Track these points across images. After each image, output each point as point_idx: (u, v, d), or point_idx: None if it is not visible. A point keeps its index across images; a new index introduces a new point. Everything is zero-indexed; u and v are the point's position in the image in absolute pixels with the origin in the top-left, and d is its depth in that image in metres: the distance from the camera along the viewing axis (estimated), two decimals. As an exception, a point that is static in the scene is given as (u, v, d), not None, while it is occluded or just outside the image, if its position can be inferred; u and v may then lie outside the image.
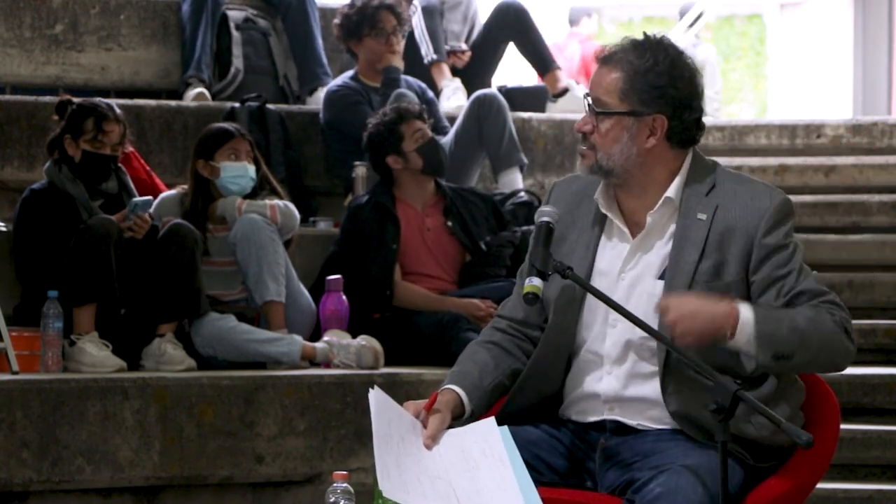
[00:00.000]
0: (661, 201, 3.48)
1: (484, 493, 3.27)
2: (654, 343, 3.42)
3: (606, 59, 3.49)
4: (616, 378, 3.48)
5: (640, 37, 3.50)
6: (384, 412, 3.36)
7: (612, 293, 3.43)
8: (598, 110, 3.46)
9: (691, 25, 13.37)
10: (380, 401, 3.36)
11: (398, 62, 7.17)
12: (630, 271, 3.49)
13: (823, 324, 3.35)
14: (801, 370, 3.45)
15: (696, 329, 3.31)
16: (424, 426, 3.40)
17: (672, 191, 3.48)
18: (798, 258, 3.44)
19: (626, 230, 3.52)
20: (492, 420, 3.43)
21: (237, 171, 6.01)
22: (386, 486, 3.21)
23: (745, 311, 3.34)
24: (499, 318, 3.67)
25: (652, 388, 3.45)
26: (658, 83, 3.44)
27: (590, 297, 3.50)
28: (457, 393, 3.48)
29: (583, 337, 3.52)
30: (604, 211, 3.53)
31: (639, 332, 3.43)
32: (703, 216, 3.45)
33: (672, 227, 3.48)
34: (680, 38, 12.34)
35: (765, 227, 3.42)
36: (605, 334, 3.50)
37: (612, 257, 3.52)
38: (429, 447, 3.37)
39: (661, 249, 3.48)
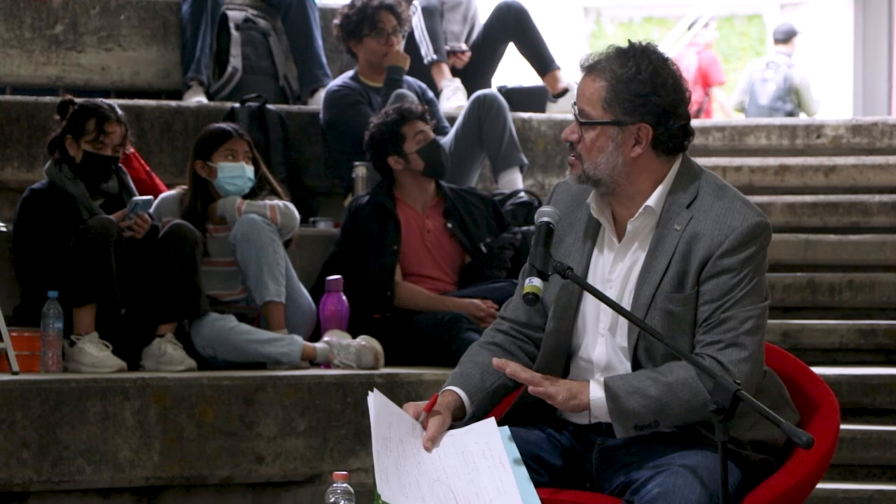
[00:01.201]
0: (640, 210, 3.47)
1: (483, 495, 3.27)
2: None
3: (590, 68, 3.46)
4: None
5: (624, 44, 3.48)
6: (383, 414, 3.36)
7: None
8: (583, 121, 3.45)
9: (689, 27, 13.41)
10: (379, 403, 3.36)
11: (403, 60, 7.16)
12: (617, 278, 3.50)
13: (685, 385, 3.32)
14: (680, 424, 3.42)
15: (559, 393, 3.38)
16: (424, 428, 3.40)
17: (653, 200, 3.46)
18: (746, 287, 3.39)
19: (614, 238, 3.52)
20: (492, 420, 3.43)
21: (234, 172, 6.00)
22: (384, 491, 3.21)
23: (596, 391, 3.37)
24: (501, 320, 3.67)
25: None
26: (641, 91, 3.41)
27: (584, 304, 3.51)
28: (458, 394, 3.49)
29: (577, 343, 3.53)
30: (595, 216, 3.52)
31: (622, 342, 3.44)
32: (678, 227, 3.44)
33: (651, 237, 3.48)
34: (776, 59, 12.41)
35: (727, 246, 3.39)
36: (595, 342, 3.51)
37: (603, 263, 3.53)
38: (428, 449, 3.37)
39: (641, 258, 3.48)
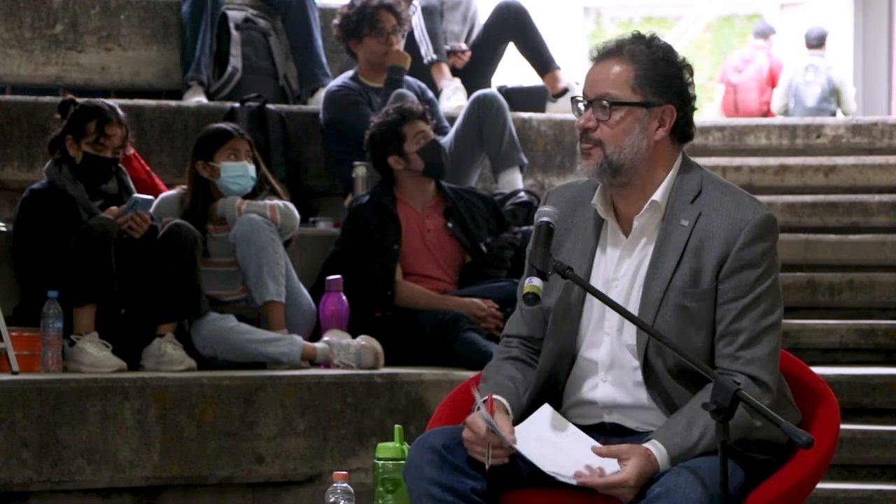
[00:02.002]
0: (646, 205, 3.48)
1: (584, 459, 3.34)
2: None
3: (611, 52, 3.49)
4: (611, 385, 3.50)
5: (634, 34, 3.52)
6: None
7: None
8: (611, 101, 3.45)
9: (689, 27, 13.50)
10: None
11: (403, 60, 7.15)
12: (623, 276, 3.50)
13: (736, 430, 3.30)
14: None
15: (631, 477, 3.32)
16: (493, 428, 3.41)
17: (658, 195, 3.48)
18: (765, 283, 3.41)
19: (621, 234, 3.52)
20: (546, 406, 3.48)
21: (237, 171, 6.00)
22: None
23: (662, 460, 3.33)
24: (507, 338, 3.68)
25: (645, 395, 3.47)
26: (669, 72, 3.47)
27: (586, 304, 3.51)
28: (502, 401, 3.49)
29: (580, 343, 3.53)
30: (602, 216, 3.53)
31: (630, 340, 3.44)
32: (685, 222, 3.45)
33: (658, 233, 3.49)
34: (814, 62, 12.68)
35: (744, 240, 3.41)
36: (599, 341, 3.51)
37: (606, 264, 3.53)
38: (514, 442, 3.37)
39: (649, 255, 3.48)
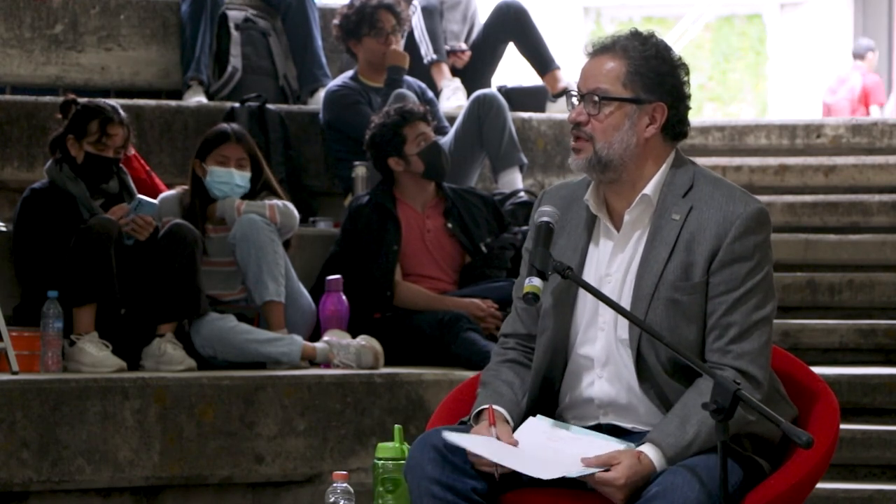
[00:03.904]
0: (637, 199, 3.49)
1: (582, 453, 3.35)
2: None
3: (605, 48, 3.50)
4: (607, 382, 3.50)
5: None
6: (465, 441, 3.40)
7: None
8: (601, 96, 3.46)
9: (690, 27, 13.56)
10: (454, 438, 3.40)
11: (402, 59, 7.15)
12: (616, 272, 3.50)
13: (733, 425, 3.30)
14: None
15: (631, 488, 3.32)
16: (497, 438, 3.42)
17: (650, 188, 3.49)
18: (757, 277, 3.41)
19: (612, 229, 3.53)
20: (532, 418, 3.49)
21: (221, 178, 5.98)
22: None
23: (658, 461, 3.34)
24: (504, 338, 3.69)
25: (640, 390, 3.47)
26: (661, 70, 3.47)
27: (580, 300, 3.51)
28: (500, 411, 3.51)
29: (573, 340, 3.54)
30: (594, 212, 3.53)
31: (624, 335, 3.44)
32: (677, 216, 3.45)
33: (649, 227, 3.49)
34: None
35: (735, 233, 3.41)
36: (595, 337, 3.51)
37: (598, 259, 3.53)
38: (516, 445, 3.40)
39: (640, 249, 3.49)
